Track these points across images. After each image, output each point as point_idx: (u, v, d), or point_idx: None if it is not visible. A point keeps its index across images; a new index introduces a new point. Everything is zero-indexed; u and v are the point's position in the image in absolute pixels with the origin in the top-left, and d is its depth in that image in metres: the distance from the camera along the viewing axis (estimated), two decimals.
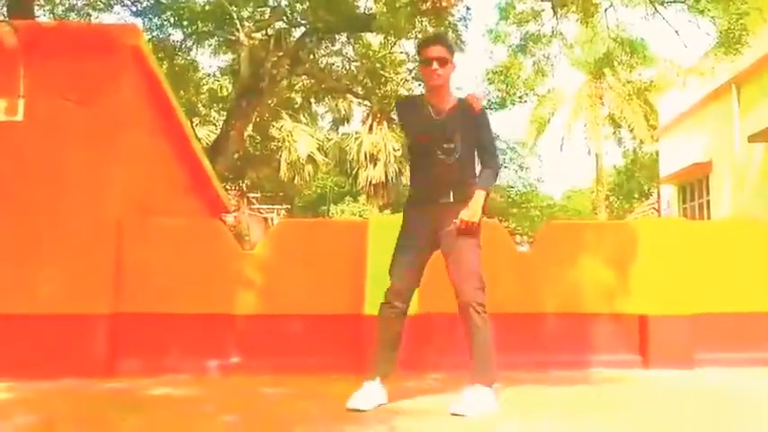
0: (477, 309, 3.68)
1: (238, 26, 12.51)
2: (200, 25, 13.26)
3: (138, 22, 12.70)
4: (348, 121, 31.05)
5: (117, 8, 13.49)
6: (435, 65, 3.82)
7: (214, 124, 18.00)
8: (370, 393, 3.75)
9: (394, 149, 27.05)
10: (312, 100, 17.18)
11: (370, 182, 29.18)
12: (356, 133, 30.29)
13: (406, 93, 18.02)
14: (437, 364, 5.09)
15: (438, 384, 4.59)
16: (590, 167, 34.13)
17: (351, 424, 3.38)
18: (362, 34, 14.26)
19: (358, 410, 3.60)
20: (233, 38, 13.17)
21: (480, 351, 3.70)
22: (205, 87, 16.24)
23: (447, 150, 3.80)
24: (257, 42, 13.10)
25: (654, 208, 22.31)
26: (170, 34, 13.47)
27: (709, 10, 10.17)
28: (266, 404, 3.98)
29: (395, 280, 3.85)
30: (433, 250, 3.88)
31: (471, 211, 3.74)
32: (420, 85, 16.53)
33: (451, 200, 3.79)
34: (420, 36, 12.27)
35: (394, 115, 21.68)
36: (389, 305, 3.85)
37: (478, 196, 3.78)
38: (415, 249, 3.86)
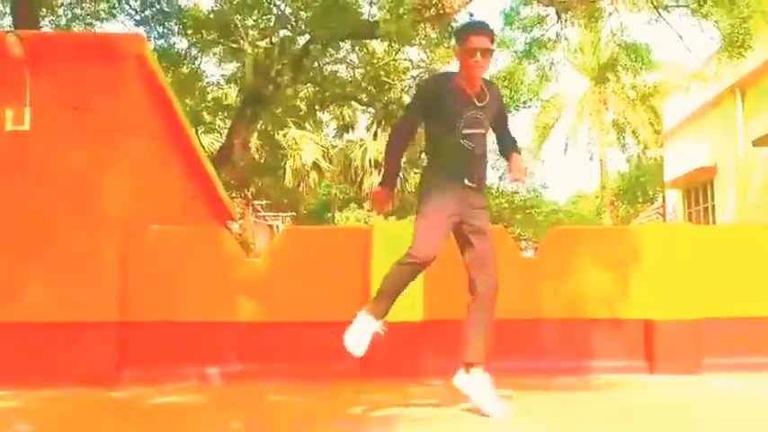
0: (496, 293, 3.78)
1: (243, 34, 12.56)
2: (204, 34, 13.30)
3: (142, 31, 12.76)
4: (353, 129, 31.15)
5: (121, 17, 13.56)
6: (479, 56, 3.73)
7: (219, 132, 18.07)
8: (366, 327, 3.74)
9: None
10: (317, 107, 17.21)
11: None
12: (361, 140, 30.36)
13: (409, 100, 18.02)
14: (439, 369, 5.08)
15: (440, 390, 4.58)
16: (595, 172, 34.04)
17: (353, 430, 3.38)
18: (366, 41, 14.29)
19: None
20: (237, 46, 13.22)
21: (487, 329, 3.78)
22: (210, 95, 16.29)
23: (474, 136, 3.78)
24: (262, 50, 13.15)
25: (659, 213, 22.24)
26: (174, 43, 13.54)
27: (712, 14, 10.17)
28: (272, 411, 3.99)
29: (428, 244, 3.65)
30: (457, 225, 3.80)
31: (522, 165, 3.98)
32: None
33: (474, 184, 3.80)
34: (424, 42, 12.32)
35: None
36: (419, 264, 3.68)
37: (519, 156, 4.01)
38: (445, 219, 3.74)
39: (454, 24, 11.93)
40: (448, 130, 3.77)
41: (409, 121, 4.00)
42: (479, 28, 3.87)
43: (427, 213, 3.74)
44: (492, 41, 3.84)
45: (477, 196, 3.84)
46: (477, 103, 3.80)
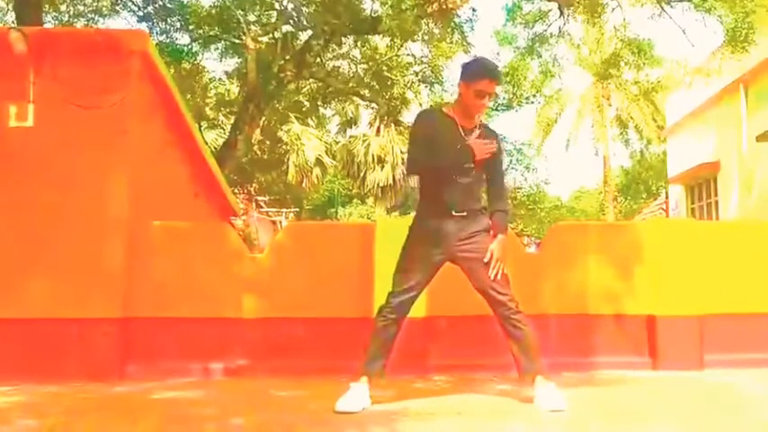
0: (518, 313, 3.86)
1: (245, 30, 12.54)
2: (206, 29, 13.29)
3: (145, 27, 12.77)
4: (355, 124, 31.15)
5: (123, 13, 13.56)
6: (486, 99, 3.83)
7: (222, 128, 18.06)
8: (358, 395, 3.76)
9: (401, 152, 27.06)
10: (319, 103, 17.19)
11: (378, 184, 29.26)
12: (363, 136, 30.35)
13: (412, 95, 17.98)
14: (442, 366, 5.10)
15: (444, 386, 4.59)
16: (597, 168, 33.98)
17: (357, 427, 3.39)
18: (369, 37, 14.27)
19: (347, 413, 3.62)
20: (240, 41, 13.20)
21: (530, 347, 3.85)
22: (212, 91, 16.29)
23: (465, 171, 3.79)
24: (264, 46, 13.13)
25: (662, 208, 22.22)
26: (177, 39, 13.53)
27: (715, 8, 10.15)
28: (275, 407, 3.99)
29: (406, 291, 3.82)
30: (444, 263, 3.88)
31: (499, 254, 3.79)
32: (427, 86, 16.55)
33: (464, 213, 3.80)
34: (426, 37, 12.29)
35: (402, 118, 21.75)
36: (393, 311, 3.83)
37: (502, 240, 3.83)
38: (430, 263, 3.84)
39: (456, 19, 11.94)
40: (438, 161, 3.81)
41: (417, 162, 3.94)
42: (493, 75, 3.87)
43: (408, 258, 3.83)
44: (499, 85, 3.93)
45: (469, 222, 3.82)
46: (472, 138, 3.82)
